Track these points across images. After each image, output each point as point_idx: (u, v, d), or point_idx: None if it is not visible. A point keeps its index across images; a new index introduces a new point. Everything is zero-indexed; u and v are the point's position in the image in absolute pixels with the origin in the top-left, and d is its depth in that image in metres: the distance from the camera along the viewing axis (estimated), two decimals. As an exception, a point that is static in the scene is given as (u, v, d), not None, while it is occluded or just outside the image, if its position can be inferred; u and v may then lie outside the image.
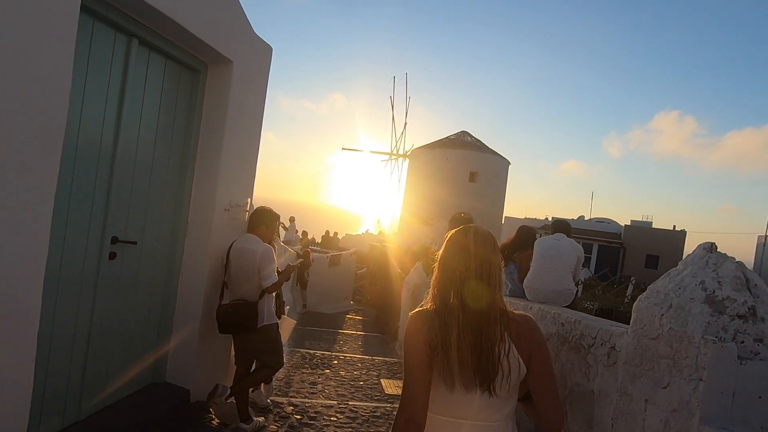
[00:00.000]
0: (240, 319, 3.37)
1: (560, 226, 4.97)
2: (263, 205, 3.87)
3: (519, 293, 4.80)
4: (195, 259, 3.48)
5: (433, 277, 1.58)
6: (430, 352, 1.41)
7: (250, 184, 4.09)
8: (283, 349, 6.05)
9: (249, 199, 4.07)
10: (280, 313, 3.90)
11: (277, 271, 3.71)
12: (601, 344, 2.67)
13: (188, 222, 3.52)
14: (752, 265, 23.96)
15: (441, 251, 1.59)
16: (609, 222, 23.98)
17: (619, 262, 20.26)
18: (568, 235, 4.90)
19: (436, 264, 1.58)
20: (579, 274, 4.66)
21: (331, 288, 15.48)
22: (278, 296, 3.86)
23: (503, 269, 2.08)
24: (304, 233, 18.79)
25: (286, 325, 4.20)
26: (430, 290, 1.58)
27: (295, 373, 6.02)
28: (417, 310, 1.55)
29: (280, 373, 5.88)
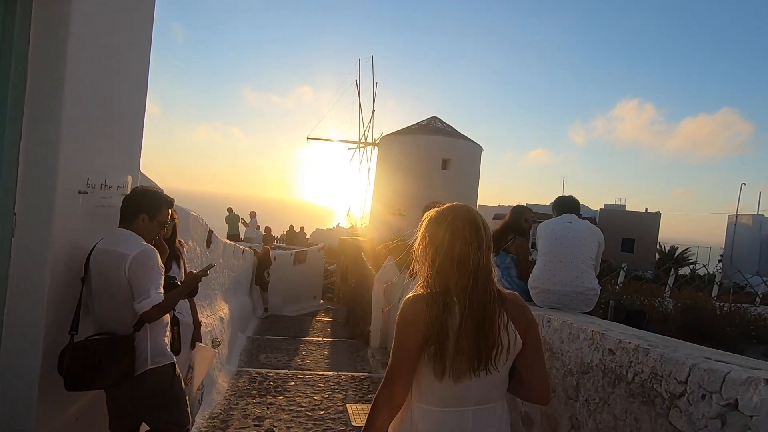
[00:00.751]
0: (98, 366, 2.08)
1: (567, 204, 3.84)
2: (144, 185, 2.56)
3: (520, 295, 3.66)
4: (27, 272, 2.17)
5: (425, 260, 1.47)
6: (423, 340, 1.40)
7: (133, 153, 2.72)
8: (216, 377, 4.72)
9: (130, 177, 2.72)
10: (180, 345, 2.59)
11: (168, 285, 2.39)
12: (703, 396, 1.55)
13: (15, 213, 2.20)
14: (724, 244, 24.09)
15: (429, 232, 1.48)
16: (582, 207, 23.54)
17: (596, 247, 19.78)
18: (579, 216, 3.80)
19: (425, 245, 1.48)
20: (599, 266, 3.58)
21: (296, 288, 14.16)
22: (174, 322, 2.54)
23: (492, 260, 1.52)
24: (267, 229, 17.29)
25: (202, 357, 2.91)
26: (423, 274, 1.48)
27: (237, 403, 4.75)
28: (412, 294, 1.49)
29: (218, 406, 4.60)
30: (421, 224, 1.52)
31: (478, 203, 22.55)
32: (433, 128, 20.94)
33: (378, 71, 24.63)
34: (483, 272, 1.42)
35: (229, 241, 7.17)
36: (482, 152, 21.94)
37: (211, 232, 5.34)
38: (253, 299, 11.02)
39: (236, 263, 8.03)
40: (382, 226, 21.10)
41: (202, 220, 4.96)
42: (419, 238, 1.50)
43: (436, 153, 20.05)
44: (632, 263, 18.11)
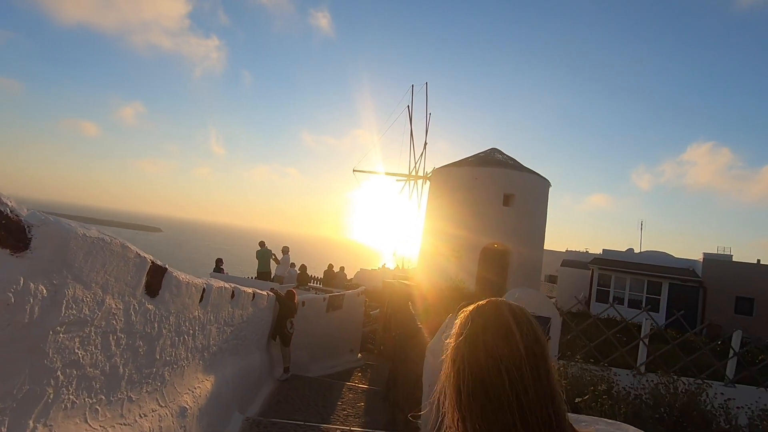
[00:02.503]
0: None
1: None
2: None
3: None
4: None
5: (449, 393, 1.02)
6: None
7: None
8: None
9: None
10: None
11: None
12: None
13: None
14: None
15: (454, 349, 1.04)
16: (666, 255, 19.77)
17: (699, 305, 16.01)
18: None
19: (446, 369, 1.04)
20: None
21: (329, 340, 11.78)
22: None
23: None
24: (303, 267, 15.27)
25: None
26: (449, 415, 1.01)
27: None
28: None
29: None
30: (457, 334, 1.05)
31: (545, 247, 19.45)
32: (493, 160, 18.52)
33: (430, 100, 22.91)
34: (538, 413, 0.92)
35: (226, 284, 5.04)
36: (550, 188, 19.12)
37: (163, 271, 3.17)
38: (272, 355, 8.76)
39: (238, 313, 5.84)
40: (432, 268, 18.52)
41: (137, 252, 2.79)
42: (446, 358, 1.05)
43: (497, 187, 17.50)
44: (750, 328, 14.22)
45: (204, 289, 4.22)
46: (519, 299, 6.10)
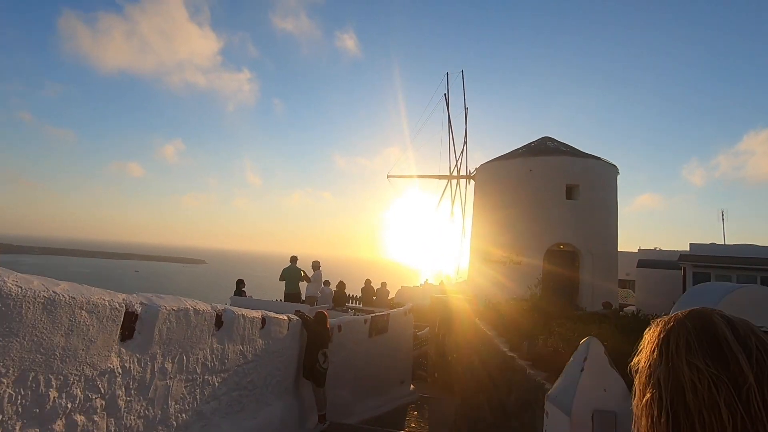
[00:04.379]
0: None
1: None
2: None
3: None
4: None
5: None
6: None
7: None
8: None
9: None
10: None
11: None
12: None
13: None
14: None
15: (647, 371, 0.83)
16: (757, 246, 16.27)
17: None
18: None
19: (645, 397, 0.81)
20: None
21: (374, 371, 9.56)
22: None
23: None
24: (341, 285, 13.20)
25: None
26: None
27: None
28: None
29: None
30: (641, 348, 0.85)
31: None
32: (548, 149, 16.02)
33: (467, 92, 20.71)
34: None
35: (199, 305, 3.03)
36: (618, 175, 16.34)
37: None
38: (302, 401, 6.64)
39: (233, 350, 3.80)
40: (485, 280, 16.02)
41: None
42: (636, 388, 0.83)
43: (557, 178, 14.96)
44: None
45: (135, 314, 2.17)
46: (740, 306, 3.82)
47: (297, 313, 6.78)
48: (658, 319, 0.86)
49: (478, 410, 5.48)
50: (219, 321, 3.39)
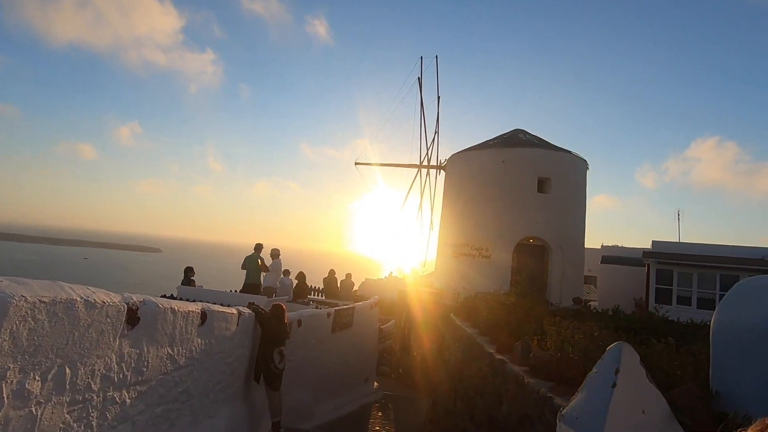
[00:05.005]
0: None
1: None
2: None
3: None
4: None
5: None
6: None
7: None
8: None
9: None
10: None
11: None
12: None
13: None
14: None
15: None
16: (722, 246, 16.70)
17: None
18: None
19: None
20: None
21: (337, 369, 8.80)
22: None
23: None
24: (301, 276, 12.28)
25: None
26: None
27: None
28: None
29: None
30: None
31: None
32: (521, 140, 15.67)
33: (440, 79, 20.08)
34: None
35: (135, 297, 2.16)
36: (587, 171, 16.24)
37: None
38: (252, 408, 5.78)
39: (158, 354, 2.92)
40: (453, 273, 15.56)
41: None
42: None
43: (530, 171, 14.62)
44: None
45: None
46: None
47: (250, 306, 5.90)
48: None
49: (456, 418, 4.84)
50: (133, 317, 2.53)
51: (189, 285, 9.49)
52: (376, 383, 11.28)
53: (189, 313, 3.39)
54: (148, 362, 2.79)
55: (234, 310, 4.86)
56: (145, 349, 2.73)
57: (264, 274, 10.51)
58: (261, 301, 8.40)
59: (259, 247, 10.98)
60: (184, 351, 3.40)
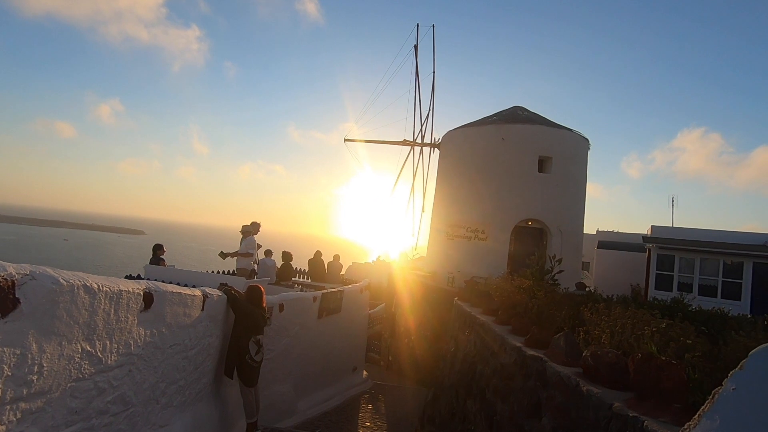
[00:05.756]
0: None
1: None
2: None
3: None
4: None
5: None
6: None
7: None
8: None
9: None
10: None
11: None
12: None
13: None
14: None
15: None
16: (721, 231, 16.18)
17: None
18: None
19: None
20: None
21: (323, 359, 7.95)
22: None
23: None
24: (287, 256, 11.33)
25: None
26: None
27: None
28: None
29: None
30: None
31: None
32: (521, 117, 14.78)
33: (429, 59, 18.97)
34: None
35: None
36: (589, 151, 15.47)
37: None
38: (225, 407, 4.89)
39: (93, 352, 1.96)
40: (447, 256, 14.77)
41: None
42: None
43: (530, 149, 13.78)
44: None
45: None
46: None
47: (222, 287, 4.96)
48: None
49: (468, 423, 4.02)
50: (10, 301, 1.60)
51: (158, 264, 8.48)
52: (365, 372, 10.50)
53: (121, 294, 2.44)
54: (42, 366, 1.87)
55: (197, 292, 3.92)
56: (35, 346, 1.81)
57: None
58: (238, 283, 7.47)
59: (256, 226, 10.01)
60: (115, 346, 2.47)
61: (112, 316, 2.39)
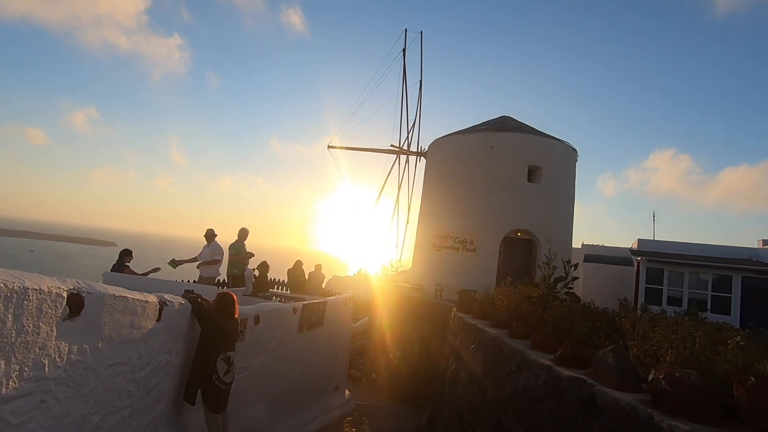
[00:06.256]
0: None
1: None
2: None
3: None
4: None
5: None
6: None
7: None
8: None
9: None
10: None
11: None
12: None
13: None
14: None
15: None
16: (706, 245, 16.08)
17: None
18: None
19: None
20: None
21: (303, 378, 7.19)
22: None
23: None
24: (263, 267, 10.54)
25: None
26: None
27: None
28: None
29: None
30: None
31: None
32: (510, 126, 14.49)
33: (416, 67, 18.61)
34: None
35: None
36: (577, 162, 15.26)
37: None
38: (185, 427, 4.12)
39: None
40: (432, 267, 14.21)
41: None
42: None
43: (520, 158, 13.44)
44: None
45: None
46: None
47: (187, 295, 4.24)
48: None
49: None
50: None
51: (121, 271, 7.62)
52: (347, 392, 9.72)
53: (27, 294, 1.75)
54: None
55: (152, 297, 3.21)
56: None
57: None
58: (209, 291, 6.69)
59: (244, 232, 9.30)
60: (16, 367, 1.77)
61: (9, 325, 1.69)
